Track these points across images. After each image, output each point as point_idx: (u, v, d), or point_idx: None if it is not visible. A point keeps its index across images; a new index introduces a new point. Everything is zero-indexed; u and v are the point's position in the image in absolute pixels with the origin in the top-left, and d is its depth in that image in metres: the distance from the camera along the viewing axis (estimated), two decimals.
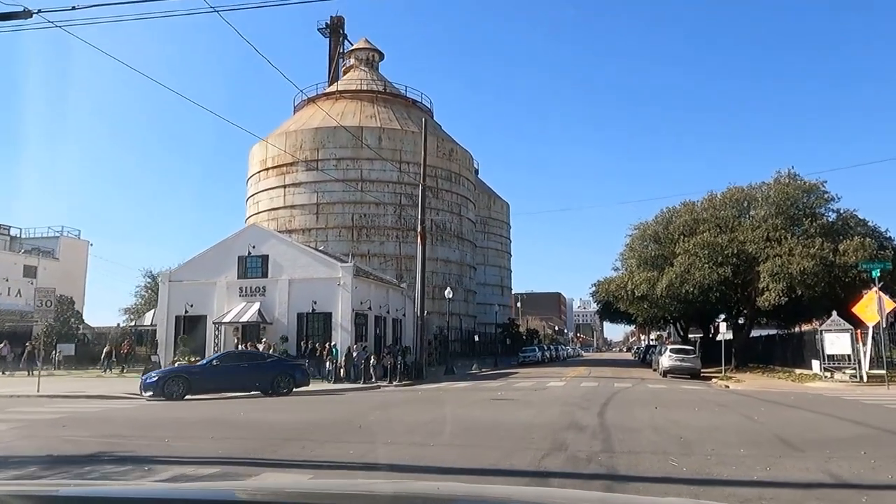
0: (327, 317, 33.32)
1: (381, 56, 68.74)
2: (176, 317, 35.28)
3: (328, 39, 77.22)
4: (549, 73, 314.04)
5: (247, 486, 4.14)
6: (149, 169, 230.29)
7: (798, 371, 31.65)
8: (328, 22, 76.03)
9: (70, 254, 68.10)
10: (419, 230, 34.71)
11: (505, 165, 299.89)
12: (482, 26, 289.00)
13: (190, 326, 35.10)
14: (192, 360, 33.31)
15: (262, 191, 58.29)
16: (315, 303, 33.23)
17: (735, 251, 35.05)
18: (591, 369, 43.33)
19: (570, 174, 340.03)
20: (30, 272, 62.68)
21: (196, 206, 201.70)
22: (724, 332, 34.18)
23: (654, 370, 40.97)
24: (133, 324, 40.01)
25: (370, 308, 34.88)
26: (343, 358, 30.29)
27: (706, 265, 34.88)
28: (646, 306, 46.29)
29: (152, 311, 37.15)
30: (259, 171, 59.34)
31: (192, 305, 34.94)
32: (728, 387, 27.69)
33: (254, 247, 34.67)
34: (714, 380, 32.19)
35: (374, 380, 28.58)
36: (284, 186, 56.70)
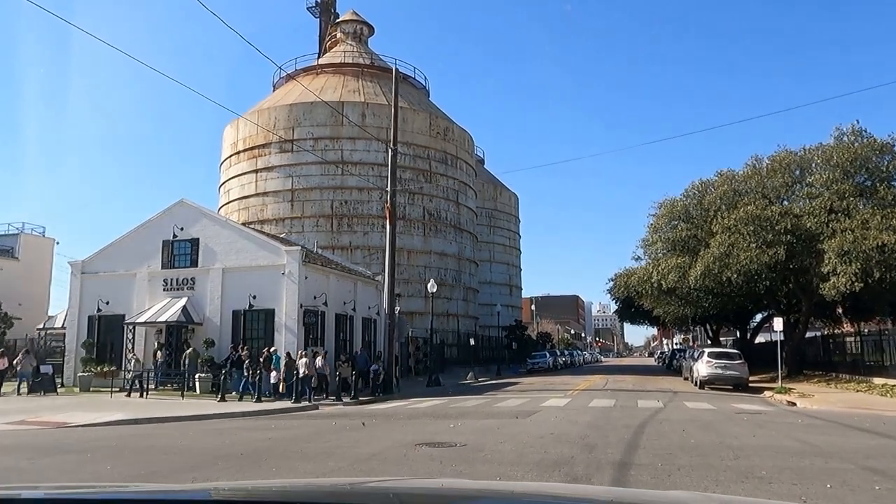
0: (269, 315, 26.26)
1: (371, 30, 61.82)
2: (89, 317, 28.43)
3: (318, 20, 70.63)
4: (566, 68, 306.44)
5: (231, 486, 3.96)
6: (123, 162, 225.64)
7: (879, 381, 24.12)
8: (318, 1, 69.52)
9: (32, 253, 61.90)
10: (387, 204, 27.67)
11: (518, 164, 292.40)
12: (498, 22, 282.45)
13: (105, 328, 28.25)
14: (104, 369, 26.52)
15: (233, 177, 51.52)
16: (254, 297, 26.18)
17: (789, 226, 27.47)
18: (608, 378, 35.77)
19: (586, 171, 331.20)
20: None
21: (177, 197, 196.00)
22: (778, 330, 26.59)
23: (686, 379, 33.46)
24: (41, 326, 33.25)
25: (326, 304, 27.71)
26: (282, 367, 23.17)
27: (753, 244, 27.33)
28: (674, 303, 38.80)
29: (64, 311, 30.47)
30: (230, 156, 52.61)
31: (107, 303, 28.06)
32: (794, 404, 20.18)
33: (181, 229, 27.71)
34: (767, 392, 24.66)
35: (307, 397, 21.41)
36: (256, 171, 49.86)
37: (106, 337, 28.23)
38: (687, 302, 37.87)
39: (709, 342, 60.71)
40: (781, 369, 27.36)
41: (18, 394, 24.91)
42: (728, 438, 10.08)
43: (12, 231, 62.45)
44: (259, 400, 20.94)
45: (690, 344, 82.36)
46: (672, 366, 50.26)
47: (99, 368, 26.91)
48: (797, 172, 30.55)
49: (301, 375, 22.80)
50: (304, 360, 23.41)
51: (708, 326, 57.91)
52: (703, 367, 27.29)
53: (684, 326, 69.33)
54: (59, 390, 25.80)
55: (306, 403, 20.59)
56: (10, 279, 55.94)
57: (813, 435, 11.16)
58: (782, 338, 28.17)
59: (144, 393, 23.31)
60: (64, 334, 29.88)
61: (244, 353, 23.41)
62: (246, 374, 22.27)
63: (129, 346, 26.79)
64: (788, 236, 27.43)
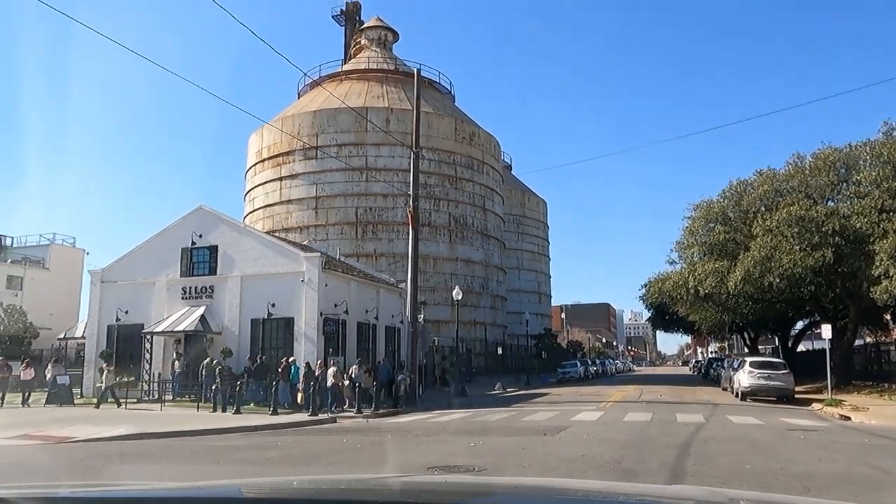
0: (288, 323, 25.44)
1: (396, 36, 61.26)
2: (108, 326, 27.97)
3: (343, 28, 70.34)
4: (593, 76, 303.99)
5: (251, 484, 3.58)
6: (149, 173, 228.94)
7: None
8: (343, 9, 69.24)
9: (63, 263, 62.41)
10: (409, 210, 26.72)
11: (549, 175, 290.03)
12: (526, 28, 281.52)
13: (125, 338, 27.75)
14: (122, 379, 25.93)
15: (258, 185, 51.21)
16: (273, 305, 25.42)
17: (836, 227, 25.78)
18: (642, 389, 34.18)
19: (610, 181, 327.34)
20: (14, 283, 57.23)
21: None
22: (827, 337, 24.85)
23: (725, 390, 31.77)
24: (62, 336, 33.02)
25: (347, 312, 26.81)
26: (301, 378, 22.30)
27: (797, 247, 25.70)
28: (710, 309, 37.09)
29: (84, 320, 30.13)
30: (255, 164, 52.36)
31: (126, 312, 27.57)
32: (848, 418, 18.59)
33: (200, 235, 27.13)
34: (815, 405, 23.01)
35: (326, 409, 20.51)
36: (280, 179, 49.45)
37: (125, 346, 27.72)
38: (725, 308, 36.15)
39: (746, 350, 58.44)
40: (829, 379, 25.59)
41: (28, 405, 24.47)
42: (789, 464, 8.76)
43: (43, 242, 63.17)
44: (275, 412, 20.03)
45: (727, 352, 79.78)
46: (709, 375, 48.27)
47: (118, 378, 26.35)
48: (843, 170, 28.78)
49: (329, 385, 22.02)
50: (332, 369, 22.58)
51: (746, 334, 55.70)
52: (745, 377, 25.66)
53: (721, 334, 67.04)
54: (77, 401, 25.34)
55: (325, 416, 19.62)
56: (41, 289, 56.48)
57: (890, 460, 9.75)
58: (830, 346, 26.37)
59: (119, 404, 22.85)
60: (84, 344, 29.51)
61: (263, 361, 22.62)
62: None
63: (147, 356, 26.23)
64: (836, 238, 25.74)
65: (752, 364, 26.42)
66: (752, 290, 28.54)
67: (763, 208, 28.90)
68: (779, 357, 36.44)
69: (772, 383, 25.04)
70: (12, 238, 64.31)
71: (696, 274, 29.54)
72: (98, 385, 24.43)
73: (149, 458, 11.25)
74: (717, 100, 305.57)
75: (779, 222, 26.37)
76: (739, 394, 25.96)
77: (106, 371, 24.16)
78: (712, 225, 30.80)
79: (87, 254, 65.98)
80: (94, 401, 25.40)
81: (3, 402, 23.55)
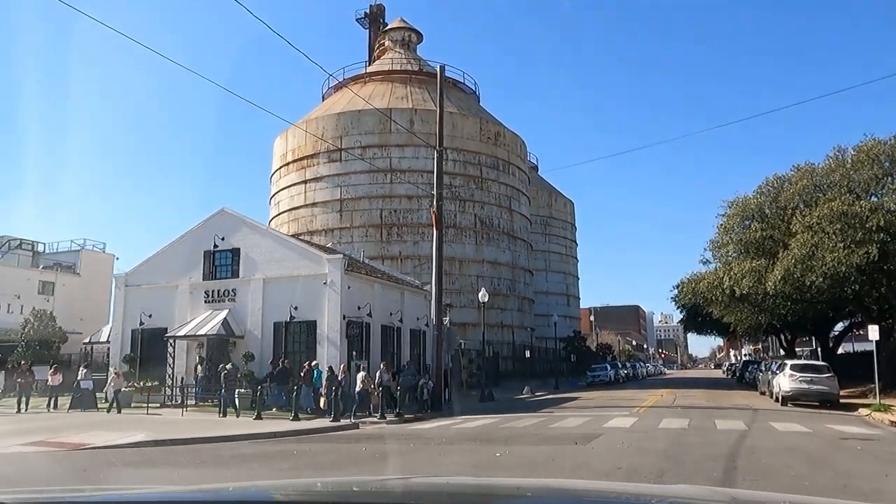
0: (311, 326, 24.96)
1: (420, 37, 60.81)
2: (132, 330, 27.82)
3: (367, 31, 70.17)
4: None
5: (251, 487, 3.84)
6: (174, 178, 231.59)
7: None
8: (367, 11, 69.10)
9: (93, 268, 63.10)
10: (433, 210, 26.12)
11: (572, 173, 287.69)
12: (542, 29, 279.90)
13: (148, 342, 27.56)
14: (146, 384, 25.72)
15: (283, 188, 51.11)
16: (295, 308, 24.95)
17: (881, 223, 24.50)
18: (675, 393, 33.06)
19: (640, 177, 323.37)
20: (47, 288, 57.98)
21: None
22: (873, 339, 23.55)
23: (763, 393, 30.59)
24: (87, 340, 33.05)
25: (370, 315, 26.24)
26: (324, 382, 21.78)
27: (840, 244, 24.47)
28: (746, 310, 35.78)
29: (109, 325, 30.05)
30: (280, 167, 52.29)
31: (150, 316, 27.38)
32: None
33: (222, 238, 26.82)
34: (862, 410, 21.80)
35: (348, 414, 19.95)
36: (305, 182, 49.25)
37: (148, 351, 27.52)
38: (761, 309, 34.80)
39: (782, 353, 56.63)
40: (876, 383, 24.24)
41: (55, 409, 24.49)
42: (854, 479, 7.89)
43: (74, 248, 63.95)
44: (296, 417, 19.51)
45: (762, 355, 77.68)
46: (744, 379, 46.74)
47: (141, 383, 26.16)
48: (887, 164, 27.44)
49: (358, 390, 21.53)
50: (362, 373, 22.08)
51: (782, 336, 53.93)
52: (786, 380, 24.49)
53: (756, 336, 65.20)
54: (101, 406, 25.20)
55: (347, 422, 19.07)
56: (72, 295, 57.09)
57: None
58: (876, 347, 25.05)
59: (119, 410, 22.67)
60: (109, 348, 29.43)
61: (286, 365, 22.19)
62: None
63: (170, 360, 25.99)
64: (881, 234, 24.46)
65: (793, 367, 25.23)
66: (790, 290, 27.32)
67: (802, 204, 27.68)
68: (818, 360, 35.02)
69: (815, 387, 23.86)
70: (44, 244, 65.33)
71: (732, 274, 28.41)
72: (115, 389, 24.21)
73: (151, 465, 10.77)
74: (754, 87, 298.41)
75: (820, 218, 25.17)
76: (780, 398, 24.79)
77: (113, 375, 23.96)
78: (748, 222, 29.63)
79: (117, 259, 66.61)
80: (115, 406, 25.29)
81: (26, 408, 23.42)
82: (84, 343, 33.36)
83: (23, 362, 28.52)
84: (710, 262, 33.20)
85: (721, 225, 30.57)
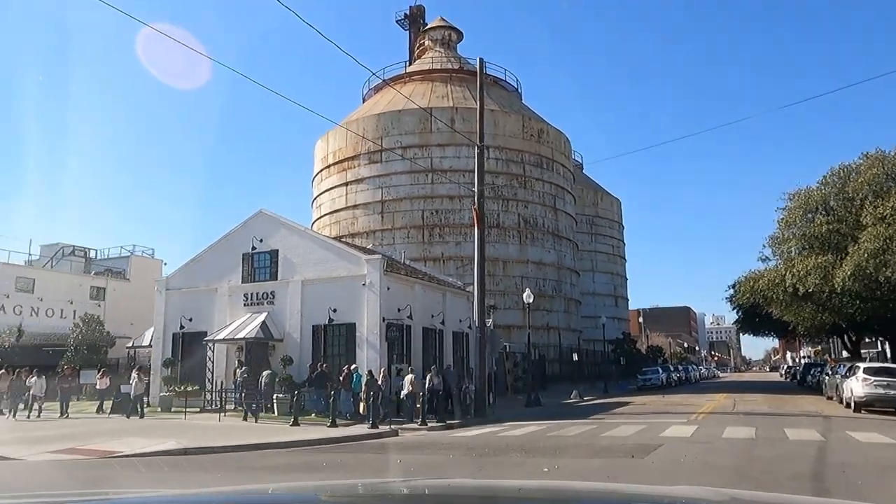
0: (350, 329, 24.26)
1: (460, 35, 59.97)
2: (173, 334, 27.66)
3: (408, 32, 69.74)
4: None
5: (253, 490, 3.71)
6: (223, 183, 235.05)
7: None
8: (407, 13, 68.72)
9: (142, 274, 64.24)
10: (474, 207, 25.14)
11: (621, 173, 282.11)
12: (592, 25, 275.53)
13: (188, 346, 27.34)
14: (184, 388, 25.44)
15: (324, 191, 50.87)
16: (334, 310, 24.30)
17: None
18: (734, 398, 31.22)
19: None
20: (98, 294, 59.24)
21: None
22: None
23: (830, 398, 28.52)
24: (130, 344, 33.16)
25: (411, 317, 25.39)
26: (364, 387, 21.02)
27: None
28: (809, 309, 33.70)
29: (151, 329, 29.99)
30: (321, 170, 52.09)
31: (190, 319, 27.17)
32: None
33: (260, 240, 26.41)
34: None
35: (380, 418, 19.14)
36: (346, 184, 48.88)
37: (189, 354, 27.29)
38: (826, 308, 32.70)
39: (845, 354, 53.63)
40: None
41: (102, 413, 24.48)
42: None
43: (124, 254, 65.30)
44: (334, 423, 18.75)
45: (823, 357, 74.02)
46: (806, 382, 44.26)
47: (182, 387, 25.90)
48: None
49: (405, 394, 20.83)
50: (409, 376, 21.35)
51: (846, 336, 51.03)
52: (859, 385, 22.59)
53: (818, 337, 62.06)
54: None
55: (385, 429, 18.20)
56: (122, 300, 58.09)
57: None
58: None
59: (142, 415, 22.61)
60: (151, 352, 29.36)
61: (325, 369, 21.52)
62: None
63: (210, 364, 25.65)
64: None
65: (866, 370, 23.29)
66: (860, 287, 25.39)
67: (872, 195, 25.72)
68: (890, 362, 32.67)
69: (892, 392, 21.93)
70: (96, 251, 66.92)
71: (795, 271, 26.62)
72: (136, 393, 23.97)
73: (169, 475, 10.08)
74: (819, 68, 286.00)
75: (894, 209, 23.25)
76: (852, 404, 22.91)
77: (136, 379, 23.69)
78: (811, 216, 27.75)
79: (165, 264, 67.64)
80: (158, 410, 25.10)
81: (67, 413, 23.32)
82: (128, 347, 33.54)
83: (65, 366, 28.63)
84: (769, 259, 31.45)
85: (782, 219, 28.76)
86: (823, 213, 27.37)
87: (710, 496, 2.71)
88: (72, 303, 56.05)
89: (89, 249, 67.15)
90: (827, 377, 32.38)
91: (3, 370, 25.96)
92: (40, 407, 23.73)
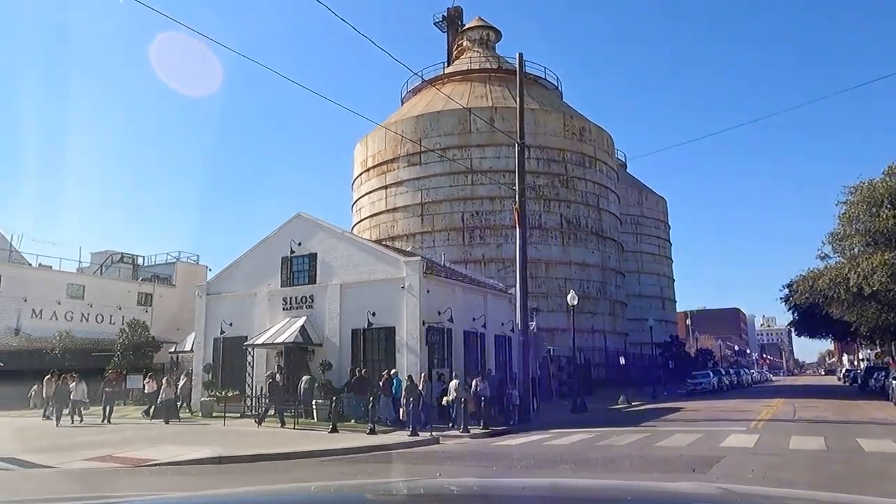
0: (389, 333, 23.72)
1: (498, 35, 59.19)
2: (213, 339, 27.59)
3: (446, 34, 69.34)
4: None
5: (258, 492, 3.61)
6: (264, 189, 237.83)
7: None
8: (445, 14, 68.32)
9: (188, 280, 65.25)
10: (515, 207, 24.36)
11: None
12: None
13: (229, 351, 27.23)
14: (224, 393, 25.29)
15: (364, 195, 50.69)
16: (373, 314, 23.80)
17: None
18: (792, 403, 29.63)
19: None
20: (146, 300, 60.37)
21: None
22: None
23: None
24: (172, 350, 33.33)
25: (451, 320, 24.71)
26: (404, 392, 20.43)
27: None
28: (872, 309, 31.82)
29: (193, 334, 30.03)
30: (361, 174, 51.95)
31: (230, 324, 27.05)
32: None
33: (299, 244, 26.13)
34: None
35: (421, 425, 18.51)
36: (385, 187, 48.58)
37: (229, 359, 27.19)
38: (891, 308, 30.79)
39: None
40: None
41: (147, 417, 24.56)
42: None
43: (170, 260, 66.51)
44: (373, 430, 18.20)
45: (885, 360, 70.50)
46: (868, 386, 41.97)
47: (223, 393, 25.76)
48: None
49: (451, 400, 20.23)
50: (455, 381, 20.77)
51: None
52: None
53: (882, 338, 59.05)
54: (183, 415, 25.01)
55: (426, 436, 17.57)
56: (168, 305, 59.06)
57: None
58: None
59: (167, 420, 22.78)
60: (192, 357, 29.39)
61: (364, 374, 21.05)
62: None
63: (250, 369, 25.46)
64: None
65: None
66: None
67: None
68: None
69: None
70: (143, 258, 68.34)
71: (860, 269, 24.99)
72: (164, 398, 23.95)
73: (194, 483, 9.61)
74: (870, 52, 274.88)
75: None
76: None
77: (165, 384, 23.60)
78: (876, 209, 26.06)
79: (209, 270, 68.67)
80: (199, 415, 25.01)
81: (109, 419, 23.33)
82: (170, 352, 33.73)
83: (109, 371, 28.86)
84: (829, 257, 29.70)
85: (843, 214, 27.13)
86: (889, 206, 25.66)
87: (722, 494, 2.69)
88: (120, 308, 57.15)
89: (137, 256, 68.55)
90: (894, 381, 30.49)
91: (50, 375, 26.29)
92: (81, 412, 23.85)
